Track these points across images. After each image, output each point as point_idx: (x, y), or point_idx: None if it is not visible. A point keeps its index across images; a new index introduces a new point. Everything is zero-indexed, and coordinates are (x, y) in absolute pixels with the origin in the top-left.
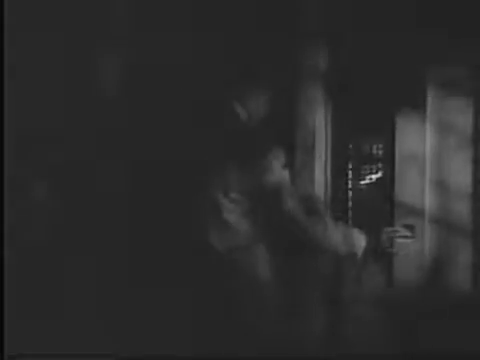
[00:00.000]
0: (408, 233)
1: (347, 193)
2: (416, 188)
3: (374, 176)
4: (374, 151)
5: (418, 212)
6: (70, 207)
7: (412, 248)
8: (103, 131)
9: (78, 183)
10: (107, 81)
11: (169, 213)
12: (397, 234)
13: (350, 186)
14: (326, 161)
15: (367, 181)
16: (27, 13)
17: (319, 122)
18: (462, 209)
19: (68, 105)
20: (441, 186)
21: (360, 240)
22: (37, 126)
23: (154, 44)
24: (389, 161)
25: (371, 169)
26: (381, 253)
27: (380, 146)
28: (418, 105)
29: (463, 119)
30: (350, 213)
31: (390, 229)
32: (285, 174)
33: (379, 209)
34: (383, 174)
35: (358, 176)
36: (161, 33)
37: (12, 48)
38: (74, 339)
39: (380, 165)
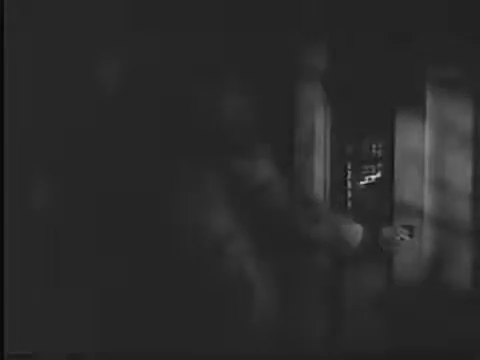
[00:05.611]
0: (407, 233)
1: (346, 193)
2: (415, 188)
3: (373, 176)
4: (374, 151)
5: (417, 211)
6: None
7: (411, 247)
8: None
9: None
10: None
11: (155, 211)
12: (397, 234)
13: (350, 186)
14: (326, 161)
15: (366, 181)
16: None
17: (319, 122)
18: (461, 208)
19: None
20: (440, 185)
21: (356, 235)
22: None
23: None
24: (389, 161)
25: (370, 169)
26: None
27: (380, 146)
28: (417, 105)
29: (462, 119)
30: (349, 213)
31: (390, 229)
32: (274, 171)
33: (378, 209)
34: (383, 174)
35: (358, 176)
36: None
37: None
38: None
39: (380, 165)
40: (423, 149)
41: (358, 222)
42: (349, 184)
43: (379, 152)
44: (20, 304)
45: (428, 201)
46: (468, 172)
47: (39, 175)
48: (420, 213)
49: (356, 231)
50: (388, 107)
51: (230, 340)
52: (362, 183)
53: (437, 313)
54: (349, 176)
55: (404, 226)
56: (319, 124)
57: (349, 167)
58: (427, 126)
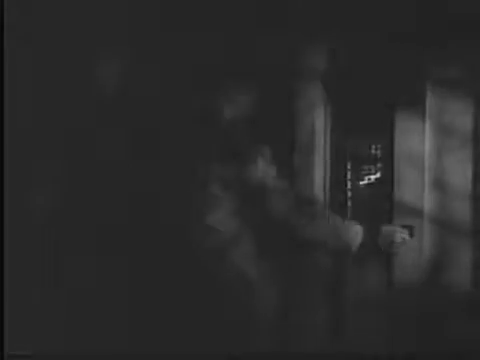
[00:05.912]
0: (407, 233)
1: (346, 193)
2: (415, 188)
3: (373, 176)
4: (373, 151)
5: (417, 212)
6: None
7: (411, 247)
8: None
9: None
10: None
11: (154, 211)
12: (396, 234)
13: (349, 186)
14: (325, 161)
15: (366, 181)
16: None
17: (319, 122)
18: (461, 208)
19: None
20: (440, 185)
21: (356, 235)
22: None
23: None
24: (389, 161)
25: (370, 169)
26: (381, 251)
27: (379, 146)
28: (417, 105)
29: (462, 119)
30: (349, 214)
31: (390, 229)
32: (270, 170)
33: (378, 209)
34: (382, 174)
35: (357, 176)
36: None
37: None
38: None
39: (379, 165)
40: (423, 149)
41: (358, 222)
42: (349, 184)
43: (379, 152)
44: (20, 304)
45: (428, 201)
46: (468, 172)
47: (39, 175)
48: (420, 213)
49: (356, 231)
50: (388, 107)
51: (231, 341)
52: (362, 183)
53: (437, 314)
54: (349, 176)
55: (404, 226)
56: (319, 124)
57: (349, 167)
58: (427, 126)
